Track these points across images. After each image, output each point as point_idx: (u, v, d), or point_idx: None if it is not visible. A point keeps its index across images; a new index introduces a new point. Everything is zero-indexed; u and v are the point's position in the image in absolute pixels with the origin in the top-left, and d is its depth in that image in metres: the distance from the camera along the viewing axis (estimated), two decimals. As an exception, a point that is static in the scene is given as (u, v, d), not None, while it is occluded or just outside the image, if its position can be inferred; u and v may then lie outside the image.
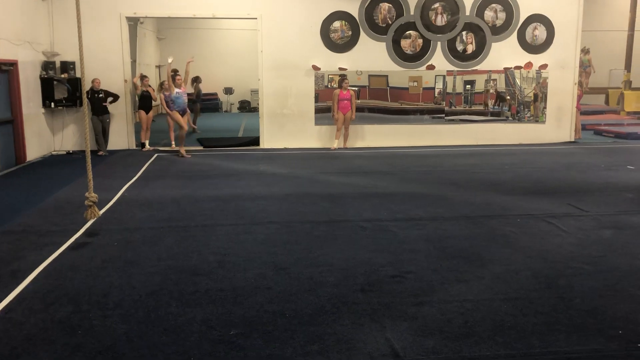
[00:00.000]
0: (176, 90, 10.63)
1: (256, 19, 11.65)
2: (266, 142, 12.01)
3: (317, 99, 12.00)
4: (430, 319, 3.69)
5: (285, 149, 11.79)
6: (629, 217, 6.17)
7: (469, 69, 12.30)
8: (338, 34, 11.85)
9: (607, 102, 19.92)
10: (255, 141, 12.28)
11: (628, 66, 19.85)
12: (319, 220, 6.12)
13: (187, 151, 10.85)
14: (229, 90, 23.68)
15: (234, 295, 4.08)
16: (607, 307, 3.85)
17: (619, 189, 7.63)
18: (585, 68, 17.84)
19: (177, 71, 10.97)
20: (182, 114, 10.73)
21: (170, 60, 10.91)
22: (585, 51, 17.25)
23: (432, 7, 11.98)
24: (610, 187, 7.82)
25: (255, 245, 5.24)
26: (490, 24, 12.18)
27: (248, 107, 23.27)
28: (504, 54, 12.30)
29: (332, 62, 11.90)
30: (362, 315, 3.75)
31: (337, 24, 11.80)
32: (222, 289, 4.19)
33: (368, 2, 11.82)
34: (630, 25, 19.91)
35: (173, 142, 11.73)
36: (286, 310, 3.82)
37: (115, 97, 11.26)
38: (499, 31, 12.24)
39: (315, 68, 11.87)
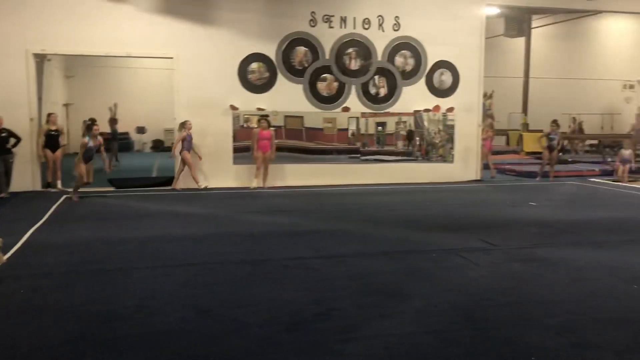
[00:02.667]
0: (89, 141, 9.99)
1: (172, 58, 11.57)
2: (182, 182, 11.78)
3: (234, 139, 12.00)
4: (356, 355, 3.72)
5: (204, 188, 11.58)
6: (535, 250, 6.56)
7: (382, 112, 12.80)
8: (256, 75, 11.99)
9: (507, 143, 21.36)
10: (170, 181, 12.01)
11: (525, 110, 21.44)
12: (241, 260, 6.04)
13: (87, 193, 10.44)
14: (141, 130, 23.17)
15: (155, 340, 3.92)
16: (521, 336, 4.05)
17: (524, 224, 8.12)
18: (486, 111, 19.10)
19: (95, 120, 10.50)
20: (86, 162, 10.05)
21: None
22: (487, 96, 18.52)
23: (346, 52, 12.44)
24: (515, 222, 8.31)
25: (175, 288, 5.08)
26: (400, 69, 12.80)
27: (161, 147, 22.83)
28: (414, 97, 12.92)
29: (250, 102, 11.99)
30: (288, 354, 3.72)
31: (254, 66, 11.95)
32: (142, 335, 4.01)
33: (285, 45, 12.09)
34: (525, 72, 21.63)
35: None
36: (211, 354, 3.72)
37: (18, 140, 10.68)
38: (409, 76, 12.88)
39: (233, 108, 11.90)
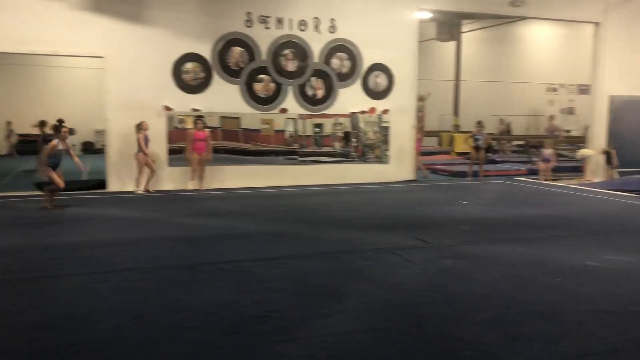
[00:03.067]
0: (58, 144, 9.22)
1: (103, 57, 11.19)
2: (114, 185, 11.42)
3: (168, 140, 11.73)
4: (295, 356, 3.74)
5: (136, 192, 11.25)
6: (466, 247, 6.80)
7: (319, 113, 12.88)
8: (190, 75, 11.78)
9: (439, 143, 21.97)
10: (101, 184, 11.63)
11: (456, 112, 22.12)
12: (177, 264, 5.93)
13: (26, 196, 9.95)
14: (70, 131, 22.26)
15: (88, 349, 3.79)
16: (455, 330, 4.19)
17: (456, 222, 8.39)
18: (418, 113, 19.61)
19: (63, 121, 9.67)
20: (54, 168, 9.30)
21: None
22: (420, 97, 18.98)
23: (283, 53, 12.43)
24: (448, 220, 8.57)
25: (109, 295, 4.93)
26: (336, 71, 12.92)
27: (92, 149, 22.08)
28: (350, 99, 13.06)
29: (184, 102, 11.77)
30: (227, 358, 3.69)
31: (189, 66, 11.74)
32: (74, 344, 3.87)
33: (220, 45, 11.95)
34: (455, 75, 22.32)
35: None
36: (147, 360, 3.65)
37: None
38: (345, 78, 13.01)
39: (167, 109, 11.65)
